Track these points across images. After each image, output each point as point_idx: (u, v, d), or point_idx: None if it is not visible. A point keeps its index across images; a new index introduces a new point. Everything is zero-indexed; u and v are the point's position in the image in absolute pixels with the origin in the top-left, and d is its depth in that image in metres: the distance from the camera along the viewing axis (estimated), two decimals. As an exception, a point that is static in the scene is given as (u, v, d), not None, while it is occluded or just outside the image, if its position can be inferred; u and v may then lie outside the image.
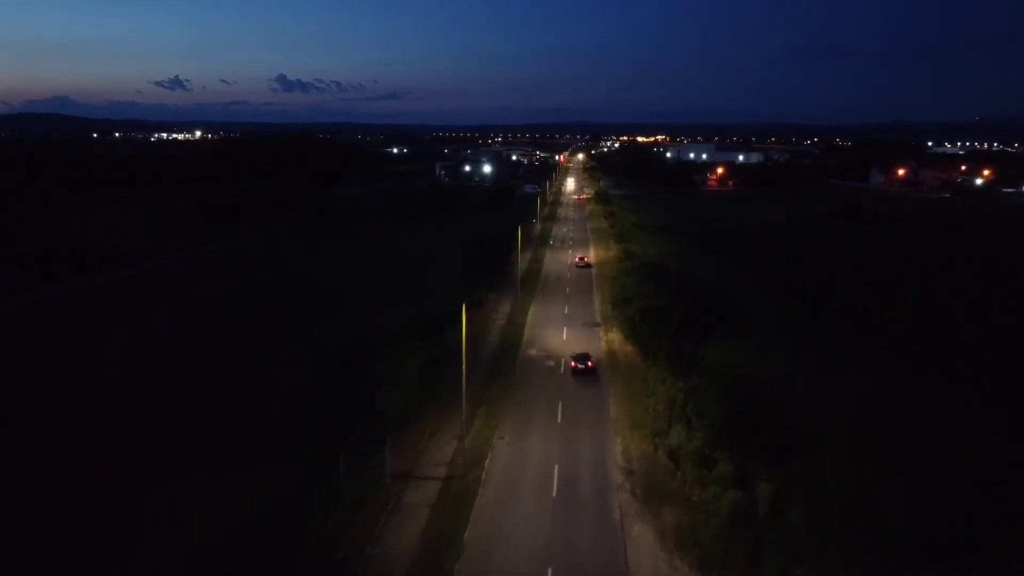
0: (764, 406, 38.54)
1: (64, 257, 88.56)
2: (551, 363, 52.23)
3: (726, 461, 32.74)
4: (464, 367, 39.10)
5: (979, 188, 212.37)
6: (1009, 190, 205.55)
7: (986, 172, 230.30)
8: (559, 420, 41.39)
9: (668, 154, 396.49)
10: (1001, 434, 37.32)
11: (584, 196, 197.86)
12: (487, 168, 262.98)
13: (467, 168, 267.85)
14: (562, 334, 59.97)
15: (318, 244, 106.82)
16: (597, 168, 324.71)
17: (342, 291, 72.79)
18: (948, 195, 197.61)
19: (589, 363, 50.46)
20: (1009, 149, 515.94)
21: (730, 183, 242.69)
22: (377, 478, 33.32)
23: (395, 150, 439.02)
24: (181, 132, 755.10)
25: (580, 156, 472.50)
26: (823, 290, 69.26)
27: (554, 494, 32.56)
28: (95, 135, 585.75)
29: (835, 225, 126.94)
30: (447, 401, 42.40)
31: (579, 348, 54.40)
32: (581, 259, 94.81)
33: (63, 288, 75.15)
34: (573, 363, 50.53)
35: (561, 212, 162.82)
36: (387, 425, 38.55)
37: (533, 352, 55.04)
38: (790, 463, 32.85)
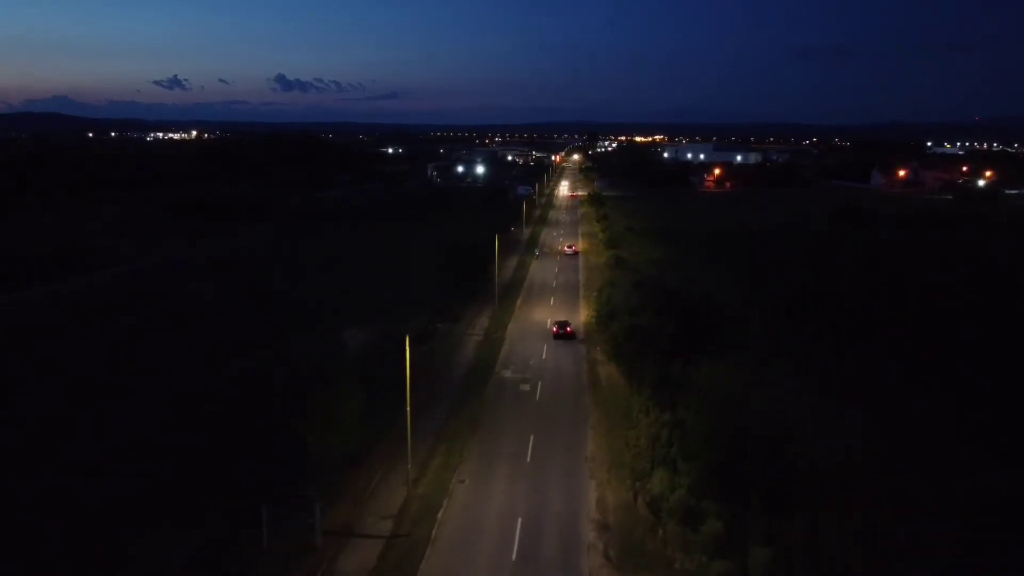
0: (759, 443, 33.80)
1: (44, 260, 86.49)
2: (526, 387, 47.52)
3: (715, 516, 28.10)
4: (409, 408, 34.37)
5: (982, 190, 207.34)
6: (1012, 192, 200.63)
7: (988, 173, 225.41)
8: (529, 459, 36.71)
9: (665, 154, 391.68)
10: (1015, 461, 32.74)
11: (576, 195, 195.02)
12: (480, 168, 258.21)
13: (460, 168, 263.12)
14: (542, 352, 55.33)
15: (294, 249, 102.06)
16: (593, 168, 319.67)
17: (306, 305, 67.64)
18: (950, 196, 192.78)
19: (568, 328, 58.02)
20: (1009, 149, 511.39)
21: (728, 184, 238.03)
22: (309, 536, 28.68)
23: (391, 150, 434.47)
24: (180, 132, 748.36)
25: (576, 156, 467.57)
26: (824, 300, 64.77)
27: (514, 557, 27.87)
28: (91, 135, 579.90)
29: (837, 228, 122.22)
30: (405, 436, 37.62)
31: (559, 372, 49.98)
32: (570, 247, 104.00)
33: (40, 291, 73.43)
34: (555, 328, 58.20)
35: (553, 215, 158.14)
36: (328, 469, 33.83)
37: (508, 374, 50.33)
38: (789, 519, 28.21)
